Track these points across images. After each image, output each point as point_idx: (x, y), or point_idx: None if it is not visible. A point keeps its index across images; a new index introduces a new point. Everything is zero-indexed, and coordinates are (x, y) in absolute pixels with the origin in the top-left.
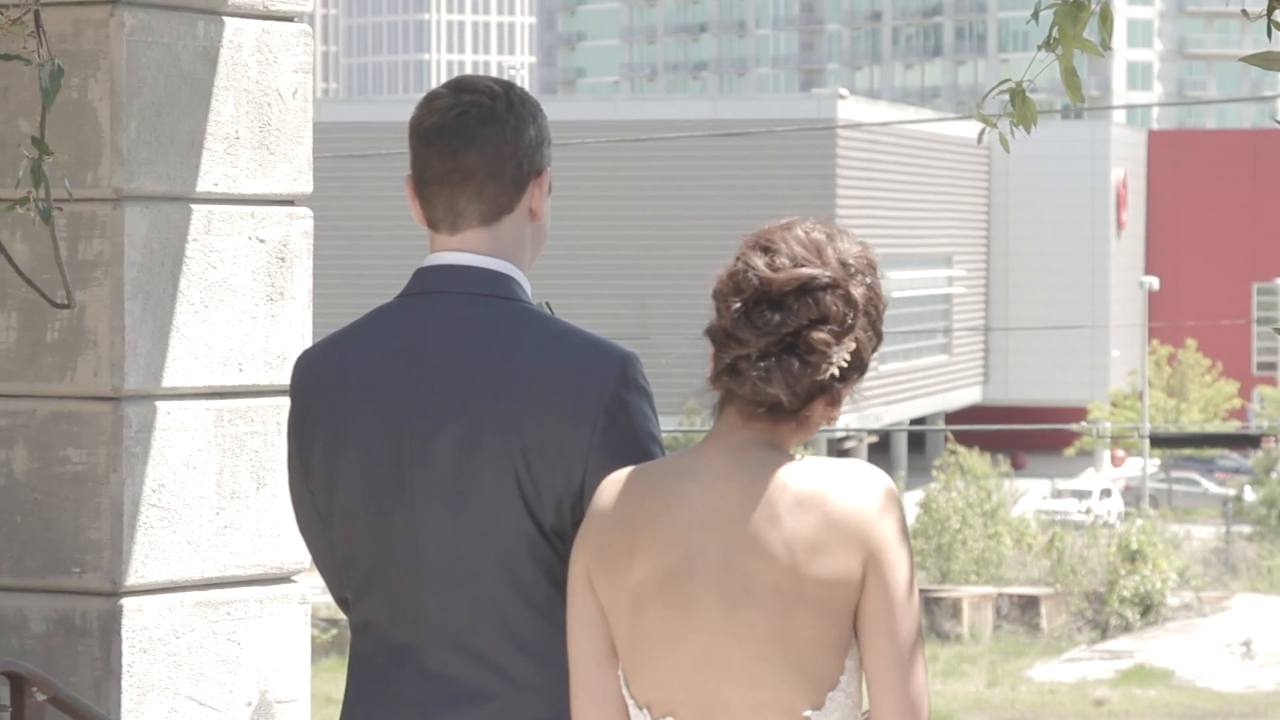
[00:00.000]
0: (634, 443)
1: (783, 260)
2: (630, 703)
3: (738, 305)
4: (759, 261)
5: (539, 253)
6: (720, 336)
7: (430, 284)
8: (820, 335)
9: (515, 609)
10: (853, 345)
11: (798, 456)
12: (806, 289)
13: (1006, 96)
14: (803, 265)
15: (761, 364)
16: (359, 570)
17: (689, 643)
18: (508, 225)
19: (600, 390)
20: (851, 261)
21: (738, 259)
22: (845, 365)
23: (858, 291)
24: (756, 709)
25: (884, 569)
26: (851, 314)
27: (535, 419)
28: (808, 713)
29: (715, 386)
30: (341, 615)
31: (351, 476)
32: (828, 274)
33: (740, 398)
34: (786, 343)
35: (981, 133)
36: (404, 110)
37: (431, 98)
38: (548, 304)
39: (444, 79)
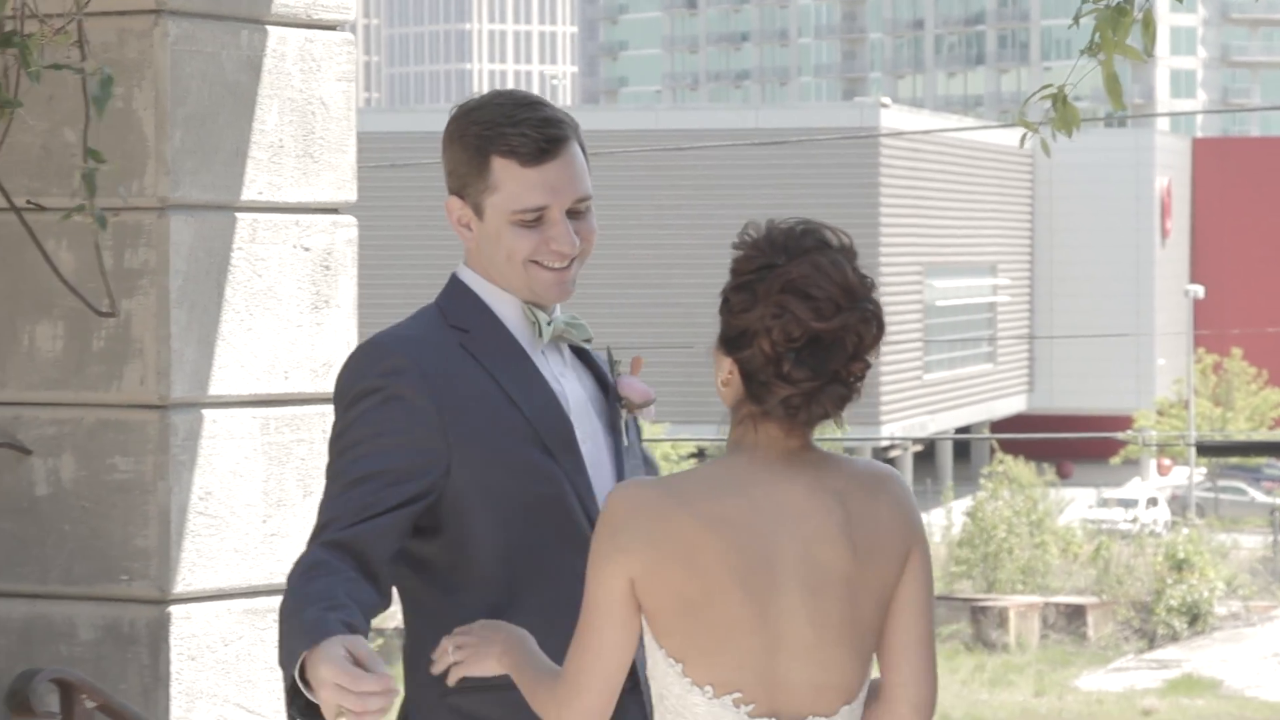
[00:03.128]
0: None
1: (827, 307)
2: (685, 681)
3: (790, 352)
4: (804, 311)
5: (503, 249)
6: (769, 376)
7: None
8: (861, 364)
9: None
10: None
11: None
12: (849, 328)
13: (1048, 102)
14: (845, 310)
15: (814, 397)
16: None
17: (766, 629)
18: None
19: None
20: (869, 278)
21: (781, 306)
22: None
23: (880, 311)
24: (821, 689)
25: (923, 555)
26: (880, 331)
27: None
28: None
29: (754, 412)
30: (387, 625)
31: None
32: (867, 307)
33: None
34: (833, 375)
35: (1024, 137)
36: (445, 120)
37: None
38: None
39: (485, 89)
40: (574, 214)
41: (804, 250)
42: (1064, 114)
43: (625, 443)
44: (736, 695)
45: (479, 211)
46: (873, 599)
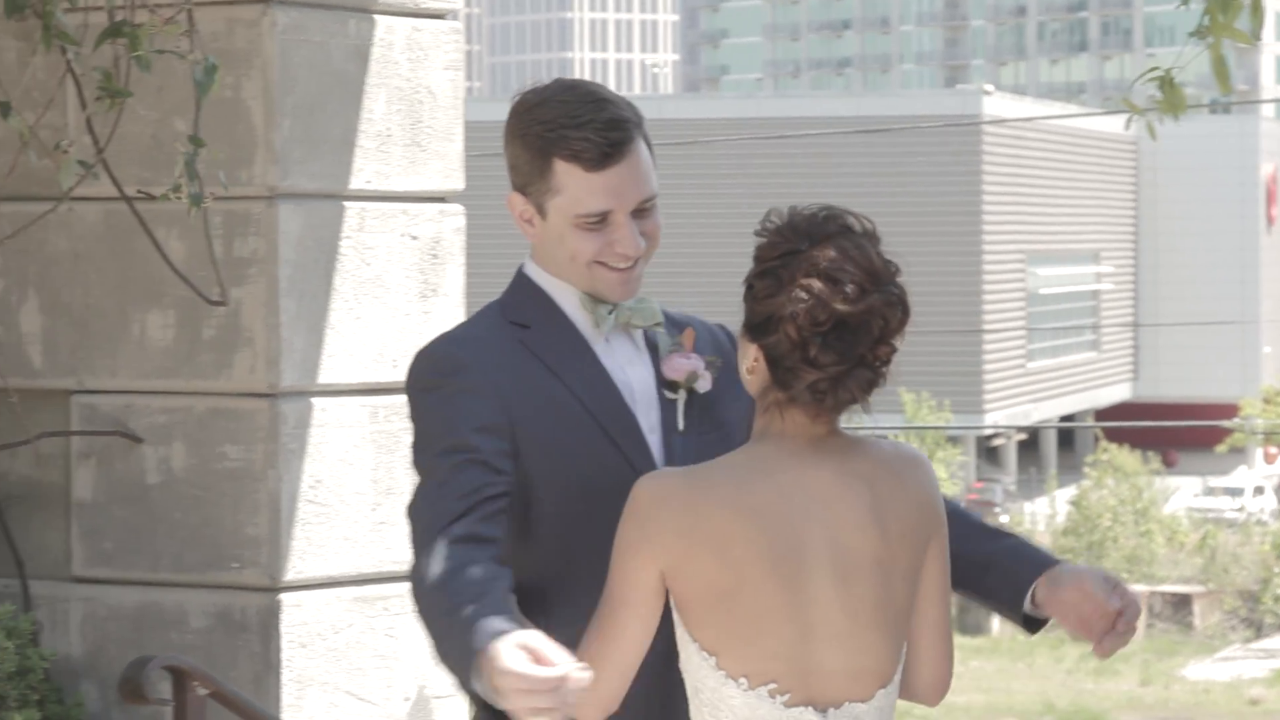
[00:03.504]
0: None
1: (852, 290)
2: (719, 674)
3: (816, 336)
4: (829, 294)
5: (566, 250)
6: (795, 361)
7: None
8: (888, 348)
9: None
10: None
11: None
12: (875, 312)
13: (1152, 86)
14: (870, 291)
15: (841, 382)
16: None
17: (799, 617)
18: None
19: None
20: (894, 262)
21: (806, 291)
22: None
23: (905, 295)
24: (857, 674)
25: (942, 541)
26: (905, 315)
27: None
28: (895, 674)
29: (780, 399)
30: None
31: None
32: (892, 291)
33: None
34: (859, 359)
35: (1129, 120)
36: None
37: None
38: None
39: (586, 77)
40: (638, 213)
41: (827, 235)
42: (1170, 97)
43: (681, 426)
44: (772, 685)
45: (542, 211)
46: (904, 581)
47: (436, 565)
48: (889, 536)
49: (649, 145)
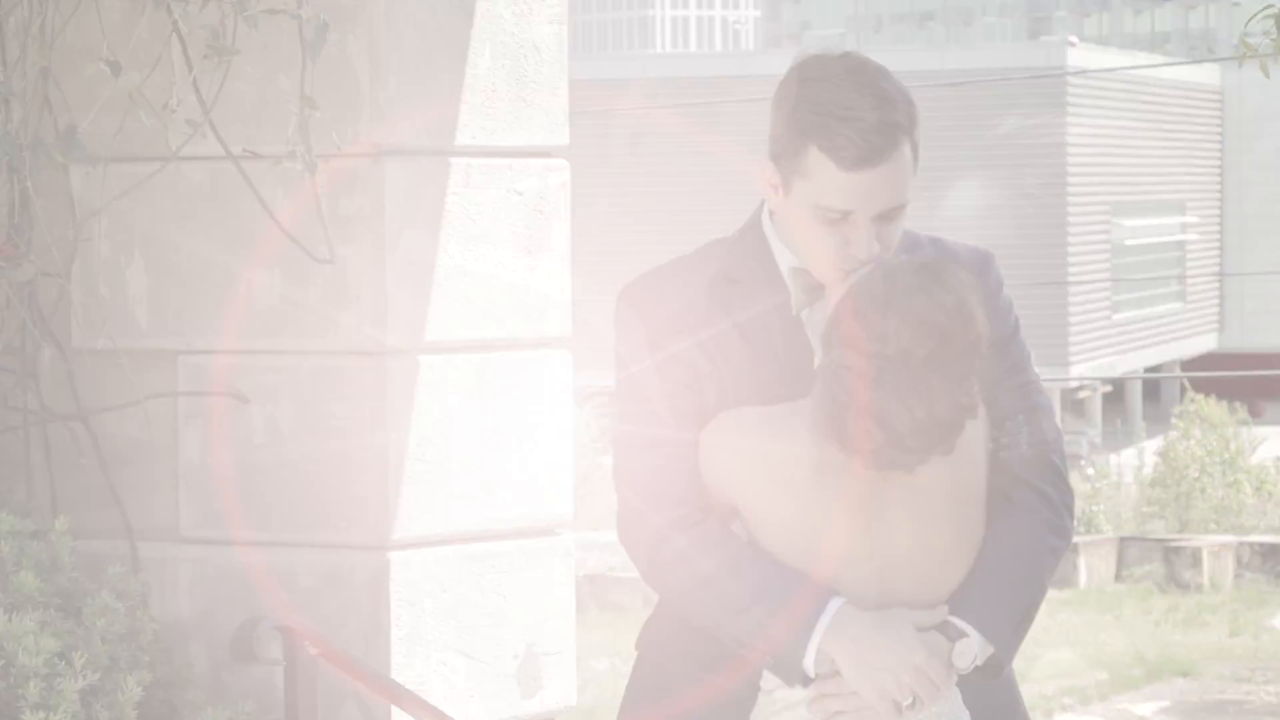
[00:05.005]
0: None
1: (855, 433)
2: None
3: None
4: (831, 410)
5: (802, 237)
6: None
7: None
8: (918, 455)
9: None
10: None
11: None
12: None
13: (1240, 34)
14: (876, 439)
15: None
16: None
17: (875, 556)
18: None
19: None
20: (963, 391)
21: (816, 389)
22: None
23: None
24: (928, 606)
25: None
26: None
27: None
28: None
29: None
30: (584, 570)
31: None
32: (900, 446)
33: None
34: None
35: (1243, 57)
36: (628, 67)
37: None
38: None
39: (668, 35)
40: (882, 218)
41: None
42: None
43: None
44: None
45: (787, 187)
46: (977, 510)
47: (698, 533)
48: (968, 484)
49: (915, 148)
